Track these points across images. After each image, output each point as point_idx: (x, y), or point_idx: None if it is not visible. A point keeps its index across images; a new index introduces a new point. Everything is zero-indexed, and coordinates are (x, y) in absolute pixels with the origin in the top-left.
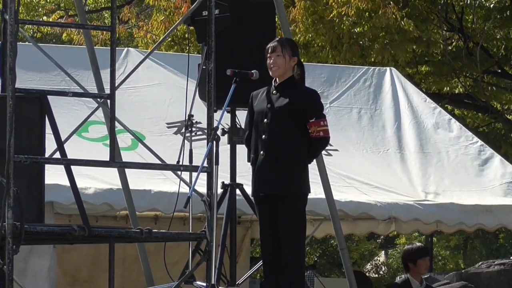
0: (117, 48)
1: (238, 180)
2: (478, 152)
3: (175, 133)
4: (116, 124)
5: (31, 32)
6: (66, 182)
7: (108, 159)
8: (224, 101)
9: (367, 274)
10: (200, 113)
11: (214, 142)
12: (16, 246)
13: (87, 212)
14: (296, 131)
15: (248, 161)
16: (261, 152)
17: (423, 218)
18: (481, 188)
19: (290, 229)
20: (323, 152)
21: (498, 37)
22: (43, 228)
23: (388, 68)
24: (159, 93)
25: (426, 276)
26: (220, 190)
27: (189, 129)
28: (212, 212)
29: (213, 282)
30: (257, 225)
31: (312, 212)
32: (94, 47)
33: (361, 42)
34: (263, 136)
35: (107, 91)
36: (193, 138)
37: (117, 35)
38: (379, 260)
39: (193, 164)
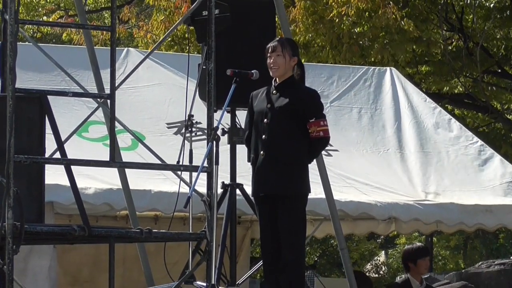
0: (117, 48)
1: (238, 180)
2: (478, 152)
3: (175, 133)
4: (116, 124)
5: (31, 32)
6: (66, 182)
7: (108, 159)
8: (224, 101)
9: (367, 274)
10: (200, 113)
11: (214, 142)
12: (16, 246)
13: (87, 212)
14: (296, 131)
15: (248, 161)
16: (261, 152)
17: (423, 218)
18: (481, 188)
19: (290, 229)
20: (323, 152)
21: (498, 37)
22: (43, 228)
23: (388, 68)
24: (159, 93)
25: (426, 276)
26: (220, 190)
27: (189, 129)
28: (212, 212)
29: (213, 282)
30: (257, 225)
31: (312, 212)
32: (94, 47)
33: (361, 42)
34: (263, 136)
35: (107, 91)
36: (193, 138)
37: (117, 35)
38: (379, 260)
39: (193, 164)
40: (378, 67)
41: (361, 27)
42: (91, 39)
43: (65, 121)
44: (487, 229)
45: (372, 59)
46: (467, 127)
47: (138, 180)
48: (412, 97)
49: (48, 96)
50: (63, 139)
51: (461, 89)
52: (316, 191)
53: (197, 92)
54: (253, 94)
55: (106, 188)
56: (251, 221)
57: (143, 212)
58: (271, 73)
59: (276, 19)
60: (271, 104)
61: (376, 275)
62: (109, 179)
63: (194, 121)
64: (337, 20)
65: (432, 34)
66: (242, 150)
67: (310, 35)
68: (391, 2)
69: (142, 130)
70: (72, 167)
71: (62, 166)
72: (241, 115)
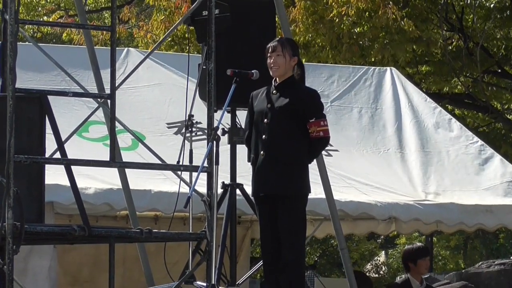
0: (117, 48)
1: (238, 180)
2: (478, 151)
3: (175, 133)
4: (116, 124)
5: (31, 32)
6: (66, 182)
7: (108, 159)
8: (224, 101)
9: (367, 274)
10: (200, 113)
11: (214, 142)
12: (16, 246)
13: (87, 212)
14: (296, 131)
15: (248, 161)
16: (261, 152)
17: (423, 218)
18: (481, 188)
19: (290, 229)
20: (324, 152)
21: (498, 37)
22: (43, 228)
23: (388, 68)
24: (159, 93)
25: (426, 276)
26: (220, 190)
27: (189, 129)
28: (212, 212)
29: (213, 282)
30: (257, 225)
31: (312, 212)
32: (94, 47)
33: (361, 42)
34: (263, 136)
35: (107, 91)
36: (193, 138)
37: (117, 35)
38: (379, 260)
39: (193, 164)
40: (378, 67)
41: (361, 27)
42: (91, 39)
43: (65, 121)
44: (487, 229)
45: (372, 59)
46: (467, 127)
47: (138, 180)
48: (413, 97)
49: (48, 96)
50: (63, 139)
51: (460, 87)
52: (316, 191)
53: (197, 92)
54: (253, 94)
55: (106, 188)
56: (251, 221)
57: (143, 212)
58: (271, 73)
59: (276, 19)
60: (271, 104)
61: (376, 275)
62: (109, 179)
63: (194, 121)
64: (337, 20)
65: (432, 34)
66: (242, 150)
67: (310, 35)
68: (391, 2)
69: (142, 130)
70: (72, 167)
71: (62, 166)
72: (241, 115)
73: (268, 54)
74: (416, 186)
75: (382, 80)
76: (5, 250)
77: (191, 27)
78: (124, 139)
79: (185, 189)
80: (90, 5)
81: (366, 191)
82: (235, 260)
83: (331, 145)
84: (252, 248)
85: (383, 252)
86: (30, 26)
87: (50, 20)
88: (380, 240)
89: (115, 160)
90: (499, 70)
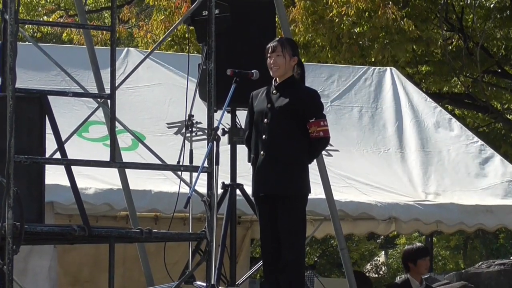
0: (117, 48)
1: (238, 180)
2: (478, 151)
3: (176, 133)
4: (116, 124)
5: (31, 32)
6: (66, 182)
7: (108, 159)
8: (224, 101)
9: (367, 274)
10: (200, 113)
11: (215, 142)
12: (16, 246)
13: (87, 212)
14: (296, 131)
15: (248, 161)
16: (261, 152)
17: (423, 218)
18: (482, 188)
19: (290, 229)
20: (324, 152)
21: (498, 37)
22: (43, 228)
23: (388, 68)
24: (159, 93)
25: (426, 276)
26: (220, 190)
27: (190, 129)
28: (212, 212)
29: (213, 282)
30: (257, 225)
31: (312, 212)
32: (94, 47)
33: (361, 42)
34: (263, 136)
35: (107, 91)
36: (193, 138)
37: (117, 35)
38: (379, 260)
39: (194, 164)
40: (378, 67)
41: (361, 27)
42: (91, 39)
43: (65, 121)
44: (487, 229)
45: (372, 59)
46: (467, 127)
47: (138, 180)
48: (413, 97)
49: (48, 96)
50: (63, 139)
51: (460, 87)
52: (316, 191)
53: (197, 92)
54: (253, 94)
55: (106, 188)
56: (251, 221)
57: (143, 212)
58: (271, 73)
59: (276, 19)
60: (271, 104)
61: (376, 275)
62: (109, 179)
63: (194, 121)
64: (337, 20)
65: (432, 34)
66: (242, 150)
67: (310, 35)
68: (391, 2)
69: (142, 130)
70: (72, 167)
71: (62, 166)
72: (241, 115)
73: (268, 55)
74: (416, 186)
75: (382, 80)
76: (5, 250)
77: (191, 27)
78: (124, 139)
79: (185, 189)
80: (90, 5)
81: (366, 191)
82: (235, 260)
83: (331, 145)
84: (252, 248)
85: (383, 252)
86: (30, 26)
87: (50, 20)
88: (380, 240)
89: (115, 160)
90: (499, 70)
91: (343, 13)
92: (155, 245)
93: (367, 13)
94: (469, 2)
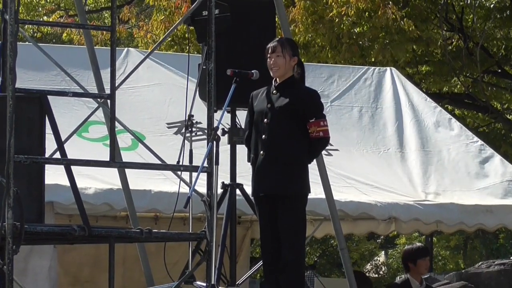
0: (117, 48)
1: (238, 180)
2: (478, 151)
3: (175, 133)
4: (116, 124)
5: (31, 32)
6: (66, 182)
7: (108, 159)
8: (224, 101)
9: (367, 274)
10: (200, 113)
11: (214, 142)
12: (16, 246)
13: (87, 212)
14: (296, 131)
15: (248, 161)
16: (261, 152)
17: (423, 218)
18: (482, 188)
19: (290, 229)
20: (324, 152)
21: (498, 37)
22: (43, 228)
23: (388, 68)
24: (159, 93)
25: (426, 276)
26: (220, 190)
27: (189, 129)
28: (212, 212)
29: (213, 282)
30: (257, 225)
31: (312, 212)
32: (94, 47)
33: (360, 42)
34: (263, 136)
35: (107, 91)
36: (193, 138)
37: (117, 35)
38: (379, 260)
39: (193, 164)
40: (378, 67)
41: (361, 27)
42: (91, 39)
43: (65, 121)
44: (487, 229)
45: (372, 59)
46: (467, 127)
47: (138, 180)
48: (413, 97)
49: (48, 96)
50: (63, 139)
51: (460, 87)
52: (316, 191)
53: (197, 92)
54: (253, 94)
55: (106, 188)
56: (251, 221)
57: (143, 212)
58: (271, 74)
59: (276, 19)
60: (271, 104)
61: (376, 275)
62: (109, 179)
63: (194, 121)
64: (337, 20)
65: (432, 34)
66: (242, 150)
67: (310, 35)
68: (391, 2)
69: (142, 130)
70: (72, 167)
71: (62, 166)
72: (241, 115)
73: (268, 55)
74: (416, 186)
75: (382, 79)
76: (5, 250)
77: (191, 27)
78: (124, 139)
79: (185, 189)
80: (90, 5)
81: (366, 191)
82: (235, 260)
83: (331, 145)
84: (252, 248)
85: (383, 252)
86: (30, 26)
87: (50, 20)
88: (380, 240)
89: (115, 160)
90: (499, 70)
91: (343, 13)
92: (155, 245)
93: (367, 13)
94: (469, 2)
